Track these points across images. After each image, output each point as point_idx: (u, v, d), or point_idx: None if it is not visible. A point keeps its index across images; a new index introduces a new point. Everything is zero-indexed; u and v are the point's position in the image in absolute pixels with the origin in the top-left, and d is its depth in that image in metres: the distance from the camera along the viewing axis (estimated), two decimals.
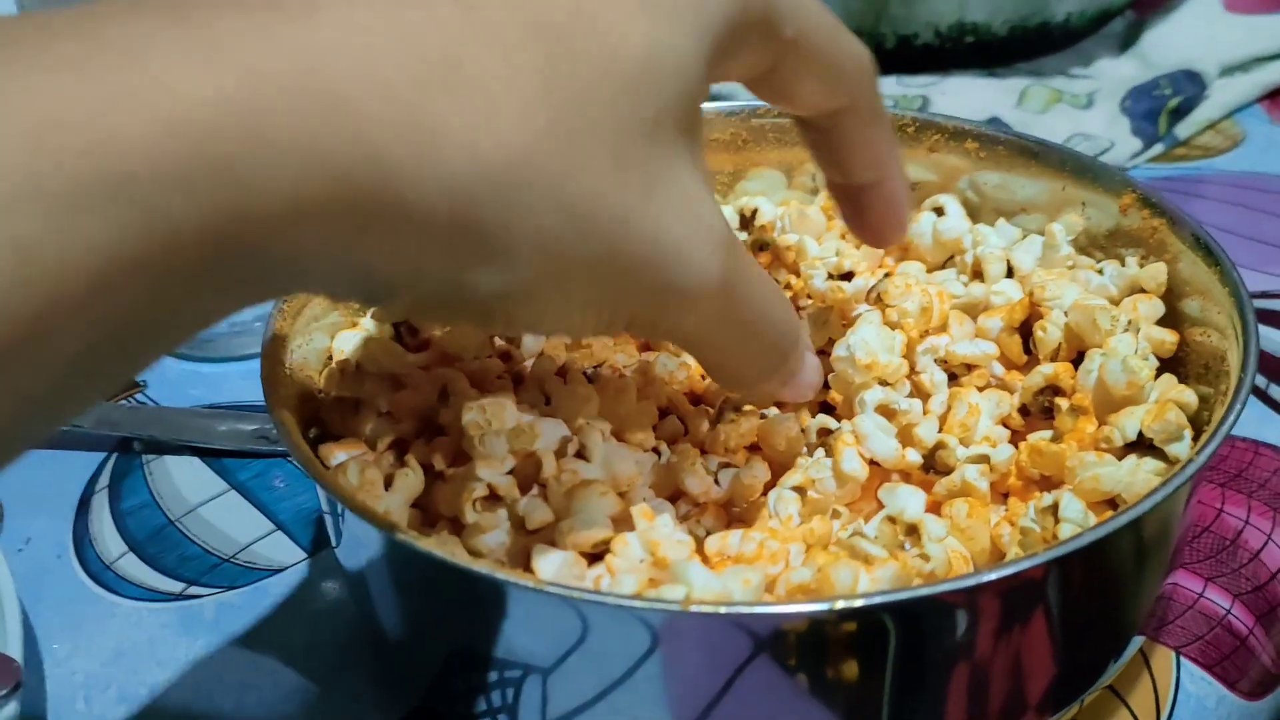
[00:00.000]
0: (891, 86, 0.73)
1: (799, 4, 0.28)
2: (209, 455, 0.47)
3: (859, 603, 0.26)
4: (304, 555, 0.42)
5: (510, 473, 0.33)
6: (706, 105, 0.47)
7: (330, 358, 0.40)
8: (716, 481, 0.36)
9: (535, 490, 0.33)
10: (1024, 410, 0.36)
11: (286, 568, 0.42)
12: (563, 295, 0.24)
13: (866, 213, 0.35)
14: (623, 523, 0.33)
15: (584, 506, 0.32)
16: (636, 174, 0.24)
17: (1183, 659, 0.36)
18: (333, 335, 0.40)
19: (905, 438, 0.36)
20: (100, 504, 0.45)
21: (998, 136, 0.44)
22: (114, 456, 0.48)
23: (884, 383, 0.37)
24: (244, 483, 0.46)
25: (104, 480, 0.46)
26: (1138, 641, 0.34)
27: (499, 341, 0.40)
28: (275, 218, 0.20)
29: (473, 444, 0.34)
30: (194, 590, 0.41)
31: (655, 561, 0.30)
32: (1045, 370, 0.36)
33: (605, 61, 0.23)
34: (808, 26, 0.28)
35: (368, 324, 0.41)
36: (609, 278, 0.24)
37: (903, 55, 0.74)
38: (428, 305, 0.25)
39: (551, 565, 0.31)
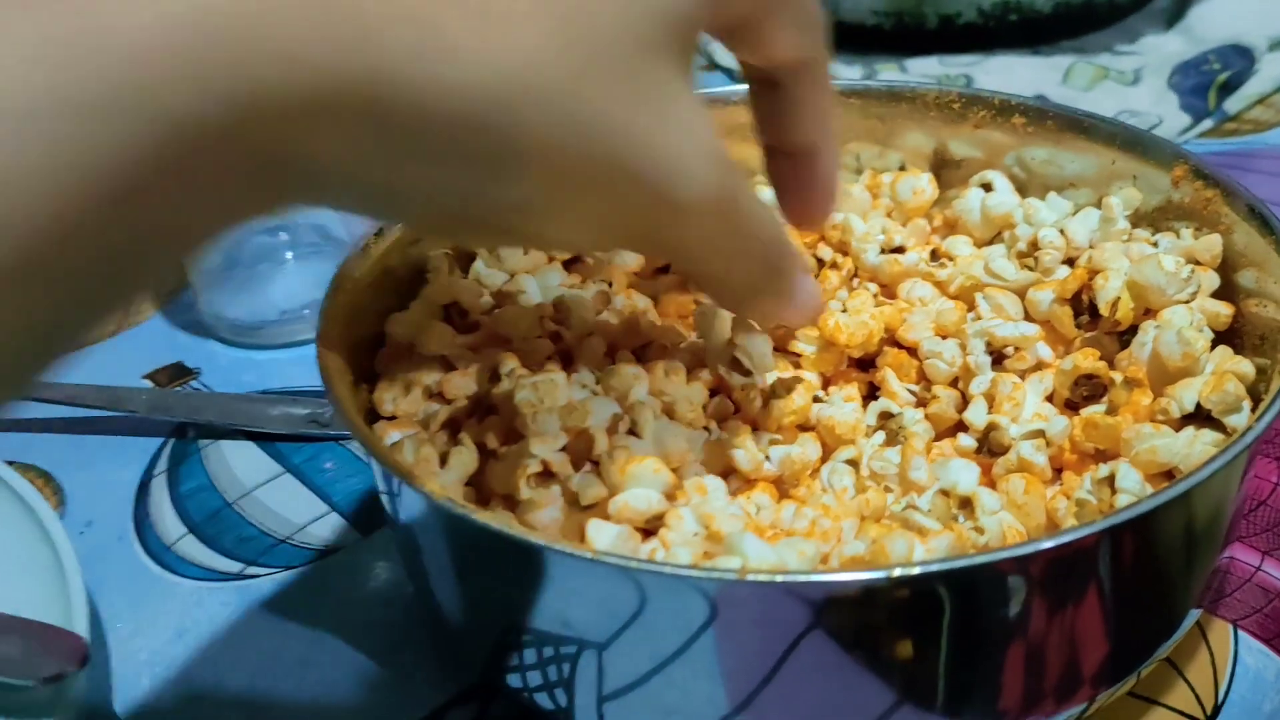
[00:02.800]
0: (933, 66, 0.72)
1: None
2: (263, 439, 0.48)
3: (915, 570, 0.26)
4: (358, 536, 0.43)
5: (563, 450, 0.33)
6: (741, 86, 0.48)
7: (383, 340, 0.41)
8: (768, 459, 0.36)
9: (588, 467, 0.34)
10: (1068, 404, 0.36)
11: (341, 548, 0.42)
12: (568, 207, 0.25)
13: (798, 188, 0.35)
14: (675, 499, 0.33)
15: (637, 481, 0.32)
16: (639, 89, 0.24)
17: (1240, 632, 0.36)
18: (383, 318, 0.41)
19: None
20: (159, 487, 0.46)
21: (1045, 110, 0.44)
22: (171, 442, 0.48)
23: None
24: (298, 466, 0.46)
25: (162, 465, 0.47)
26: (1194, 614, 0.33)
27: (548, 322, 0.40)
28: (289, 118, 0.20)
29: (525, 422, 0.34)
30: (252, 570, 0.42)
31: (709, 535, 0.30)
32: (1076, 359, 0.35)
33: None
34: None
35: (418, 306, 0.42)
36: (612, 189, 0.25)
37: (945, 35, 0.73)
38: (437, 219, 0.26)
39: (606, 538, 0.31)
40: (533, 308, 0.40)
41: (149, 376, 0.53)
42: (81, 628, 0.36)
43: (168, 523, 0.44)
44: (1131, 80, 0.68)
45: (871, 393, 0.41)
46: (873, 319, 0.40)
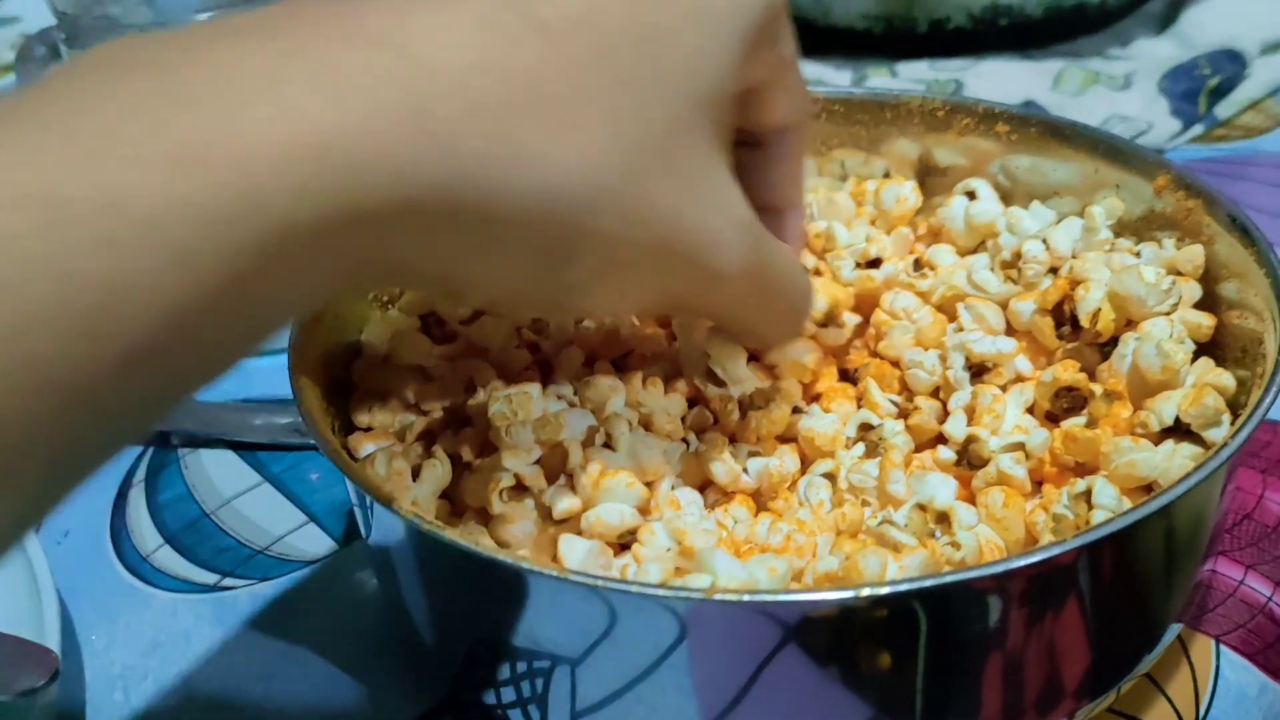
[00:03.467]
0: (924, 71, 0.72)
1: (789, 22, 0.31)
2: (243, 448, 0.48)
3: (885, 589, 0.25)
4: (336, 546, 0.43)
5: (537, 463, 0.33)
6: None
7: (359, 350, 0.40)
8: (745, 471, 0.36)
9: (562, 480, 0.33)
10: (1049, 416, 0.36)
11: (319, 559, 0.42)
12: (615, 283, 0.27)
13: None
14: (649, 513, 0.33)
15: (610, 496, 0.32)
16: (683, 174, 0.27)
17: (1223, 647, 0.35)
18: (360, 328, 0.41)
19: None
20: (137, 497, 0.46)
21: (1029, 119, 0.43)
22: (150, 450, 0.48)
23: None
24: (277, 475, 0.46)
25: (140, 474, 0.47)
26: (1175, 629, 0.33)
27: (526, 332, 0.40)
28: (382, 222, 0.23)
29: (499, 434, 0.34)
30: (229, 582, 0.41)
31: (682, 550, 0.30)
32: (1056, 371, 0.35)
33: (661, 78, 0.26)
34: (793, 43, 0.32)
35: (394, 316, 0.41)
36: (656, 266, 0.27)
37: (935, 39, 0.73)
38: (498, 300, 0.29)
39: (578, 554, 0.31)
40: (508, 319, 0.40)
41: None
42: (53, 641, 0.35)
43: (145, 533, 0.44)
44: (1122, 85, 0.68)
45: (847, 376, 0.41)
46: (840, 286, 0.40)
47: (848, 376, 0.42)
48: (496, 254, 0.25)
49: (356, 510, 0.35)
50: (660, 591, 0.26)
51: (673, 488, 0.35)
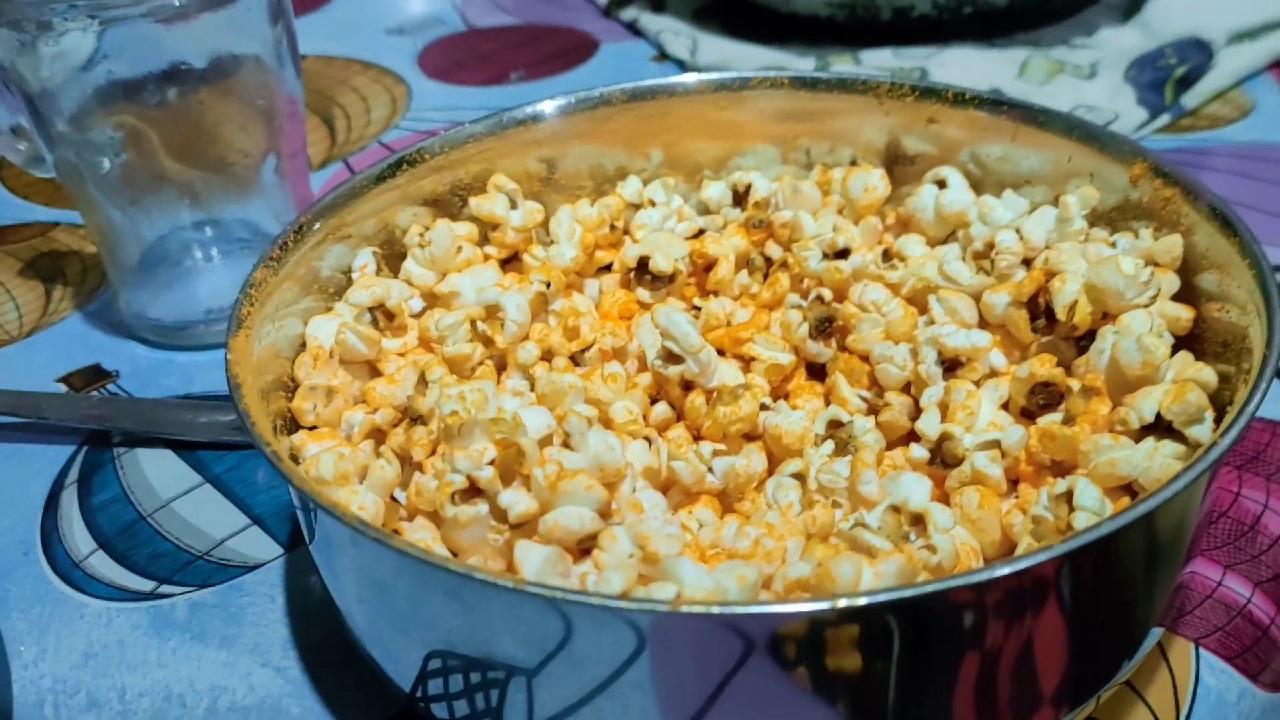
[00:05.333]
0: (888, 59, 0.71)
1: None
2: (183, 447, 0.45)
3: (862, 601, 0.24)
4: (281, 551, 0.40)
5: (491, 463, 0.31)
6: (696, 76, 0.46)
7: (303, 344, 0.38)
8: (710, 471, 0.35)
9: (518, 483, 0.32)
10: (1024, 412, 0.35)
11: (263, 564, 0.40)
12: None
13: None
14: (610, 516, 0.31)
15: (569, 499, 0.30)
16: None
17: (1202, 651, 0.34)
18: (305, 321, 0.39)
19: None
20: (69, 499, 0.43)
21: (1001, 103, 0.42)
22: (84, 450, 0.46)
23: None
24: (219, 475, 0.44)
25: (73, 474, 0.45)
26: (1156, 634, 0.32)
27: (480, 326, 0.38)
28: None
29: (451, 433, 0.32)
30: (166, 589, 0.39)
31: (645, 556, 0.28)
32: (1033, 366, 0.34)
33: None
34: None
35: (342, 309, 0.39)
36: None
37: (899, 27, 0.72)
38: None
39: (535, 562, 0.29)
40: (463, 311, 0.38)
41: (63, 380, 0.50)
42: None
43: (77, 537, 0.41)
44: (1088, 74, 0.67)
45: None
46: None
47: (815, 372, 0.40)
48: None
49: (300, 514, 0.33)
50: (622, 604, 0.24)
51: (634, 490, 0.34)
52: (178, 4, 0.45)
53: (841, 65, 0.70)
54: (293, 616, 0.38)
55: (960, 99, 0.43)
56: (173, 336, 0.52)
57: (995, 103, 0.42)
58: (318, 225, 0.39)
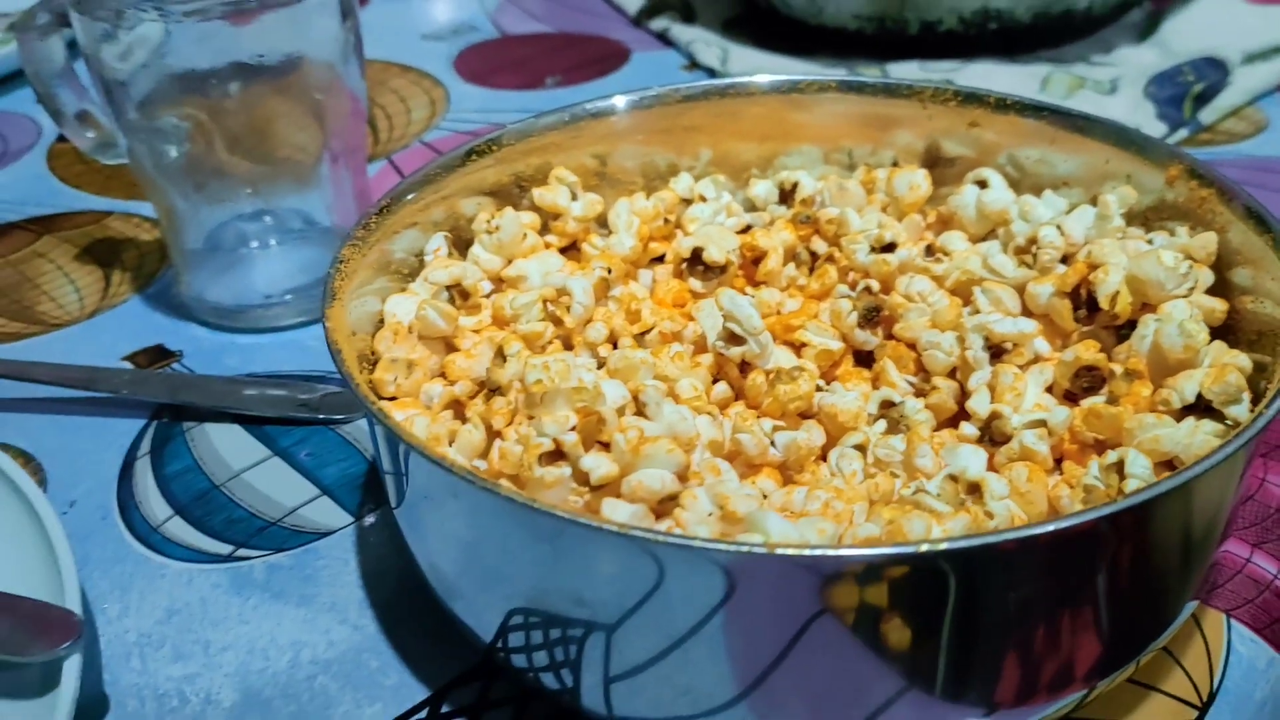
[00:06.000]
0: (914, 71, 0.73)
1: None
2: (250, 422, 0.47)
3: (959, 543, 0.26)
4: (351, 520, 0.42)
5: (573, 429, 0.33)
6: (746, 79, 0.49)
7: (381, 321, 0.40)
8: (772, 444, 0.37)
9: (595, 449, 0.33)
10: (1068, 395, 0.37)
11: (334, 531, 0.42)
12: None
13: None
14: (688, 480, 0.33)
15: (650, 461, 0.32)
16: None
17: (1233, 622, 0.36)
18: (383, 299, 0.41)
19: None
20: (144, 469, 0.45)
21: (1041, 109, 0.44)
22: (153, 424, 0.48)
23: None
24: (287, 449, 0.46)
25: (145, 446, 0.46)
26: (1192, 605, 0.34)
27: (549, 307, 0.40)
28: None
29: (535, 400, 0.34)
30: (243, 552, 0.41)
31: (724, 515, 0.31)
32: (1078, 351, 0.36)
33: None
34: None
35: (418, 287, 0.41)
36: None
37: (925, 41, 0.74)
38: None
39: (622, 516, 0.31)
40: (534, 292, 0.40)
41: (128, 359, 0.52)
42: (74, 605, 0.35)
43: (153, 504, 0.43)
44: (1109, 90, 0.70)
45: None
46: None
47: (861, 360, 0.42)
48: None
49: (386, 476, 0.35)
50: (720, 545, 0.26)
51: (701, 460, 0.35)
52: (252, 1, 0.47)
53: (869, 76, 0.72)
54: (366, 579, 0.40)
55: (1002, 104, 0.45)
56: (232, 319, 0.54)
57: (1036, 108, 0.45)
58: (395, 209, 0.41)
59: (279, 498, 0.43)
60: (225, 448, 0.46)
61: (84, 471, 0.45)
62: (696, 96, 0.48)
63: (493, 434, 0.36)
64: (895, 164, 0.49)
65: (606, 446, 0.33)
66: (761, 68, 0.75)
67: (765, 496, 0.36)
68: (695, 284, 0.45)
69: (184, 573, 0.40)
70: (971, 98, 0.46)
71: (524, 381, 0.34)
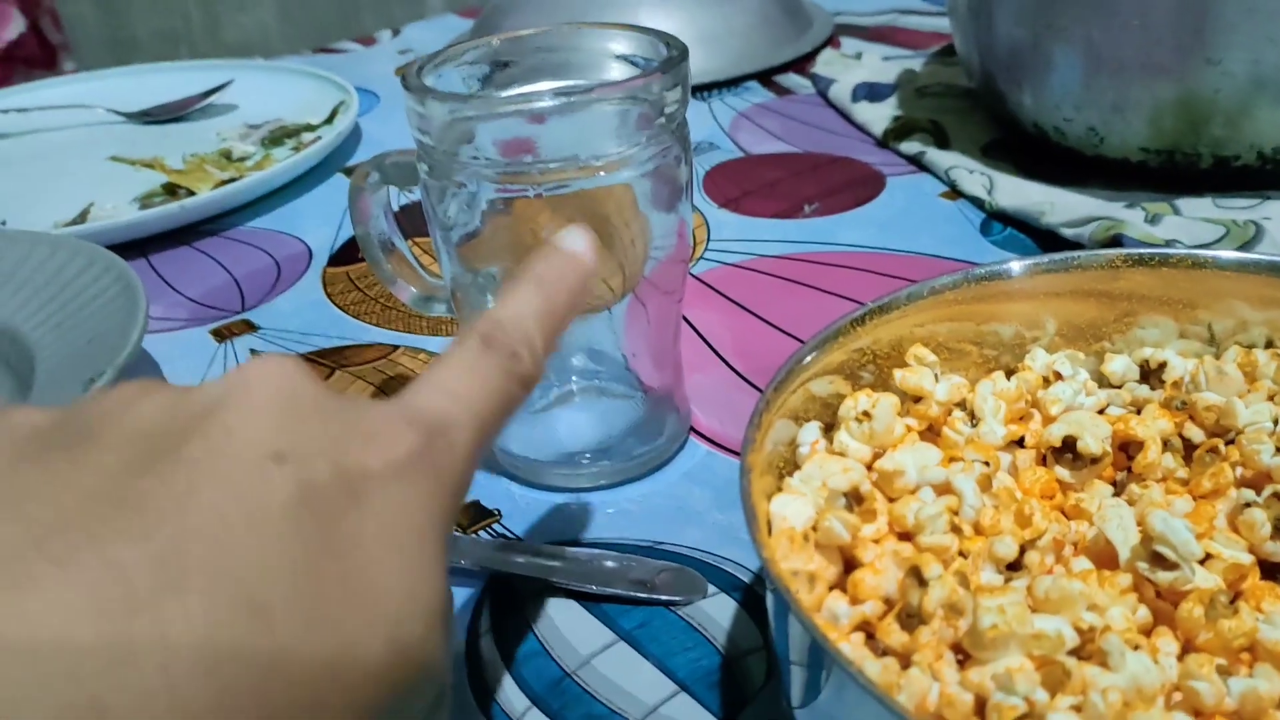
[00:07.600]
0: (1208, 208, 0.70)
1: None
2: (584, 598, 0.46)
3: None
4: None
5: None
6: (1081, 255, 0.46)
7: (769, 524, 0.38)
8: (1227, 691, 0.34)
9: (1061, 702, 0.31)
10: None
11: None
12: None
13: None
14: None
15: None
16: None
17: None
18: (768, 498, 0.39)
19: None
20: (489, 649, 0.44)
21: None
22: (487, 595, 0.47)
23: None
24: (630, 632, 0.44)
25: (484, 622, 0.45)
26: None
27: (950, 515, 0.38)
28: None
29: (984, 643, 0.31)
30: None
31: None
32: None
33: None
34: None
35: (800, 485, 0.39)
36: None
37: (1217, 175, 0.71)
38: None
39: None
40: (940, 502, 0.38)
41: None
42: None
43: (509, 693, 0.42)
44: None
45: None
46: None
47: (1267, 572, 0.39)
48: None
49: (794, 686, 0.33)
50: None
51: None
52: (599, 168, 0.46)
53: (1165, 216, 0.69)
54: None
55: None
56: (538, 475, 0.53)
57: None
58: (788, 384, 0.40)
59: (636, 692, 0.42)
60: (567, 627, 0.45)
61: None
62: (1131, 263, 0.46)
63: (906, 665, 0.34)
64: (1269, 344, 0.46)
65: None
66: (1034, 199, 0.73)
67: None
68: (1063, 473, 0.42)
69: None
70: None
71: (975, 623, 0.32)
